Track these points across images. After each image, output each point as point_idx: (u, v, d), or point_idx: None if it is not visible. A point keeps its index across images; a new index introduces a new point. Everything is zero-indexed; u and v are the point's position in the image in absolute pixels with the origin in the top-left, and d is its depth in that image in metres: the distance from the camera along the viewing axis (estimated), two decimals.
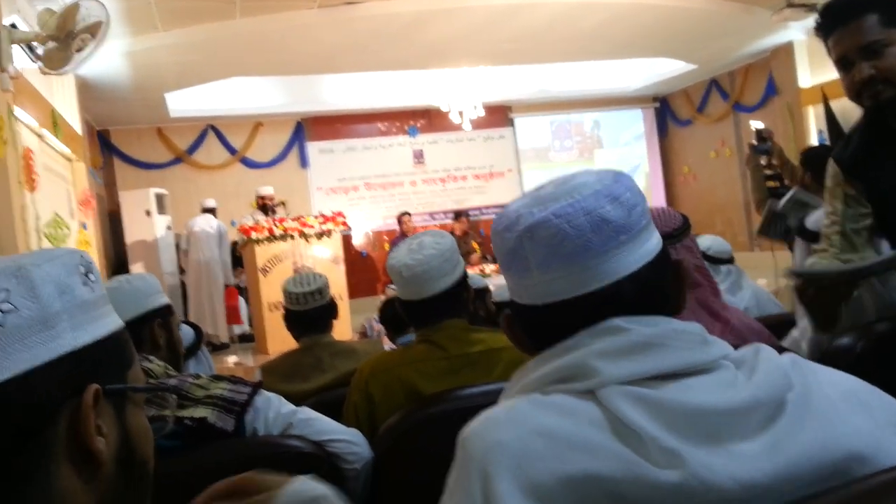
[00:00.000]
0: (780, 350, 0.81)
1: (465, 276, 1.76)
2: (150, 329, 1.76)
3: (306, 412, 1.57)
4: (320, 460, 1.47)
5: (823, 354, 1.53)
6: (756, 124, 4.58)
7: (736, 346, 0.79)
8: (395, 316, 2.78)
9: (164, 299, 1.85)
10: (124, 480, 0.67)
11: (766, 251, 6.71)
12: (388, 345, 2.93)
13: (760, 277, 7.66)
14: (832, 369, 0.77)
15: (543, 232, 0.77)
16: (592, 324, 0.76)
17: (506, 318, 0.87)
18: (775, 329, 2.38)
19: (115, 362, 0.69)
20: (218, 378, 1.54)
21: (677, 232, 1.67)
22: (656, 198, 11.78)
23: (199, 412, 1.41)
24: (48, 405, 0.61)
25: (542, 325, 0.81)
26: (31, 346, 0.60)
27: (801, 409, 0.71)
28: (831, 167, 1.74)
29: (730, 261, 2.78)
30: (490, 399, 0.84)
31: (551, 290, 0.78)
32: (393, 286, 3.02)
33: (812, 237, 1.89)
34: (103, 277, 5.16)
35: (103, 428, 0.65)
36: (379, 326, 4.00)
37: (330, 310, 2.41)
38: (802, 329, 1.81)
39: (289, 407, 1.56)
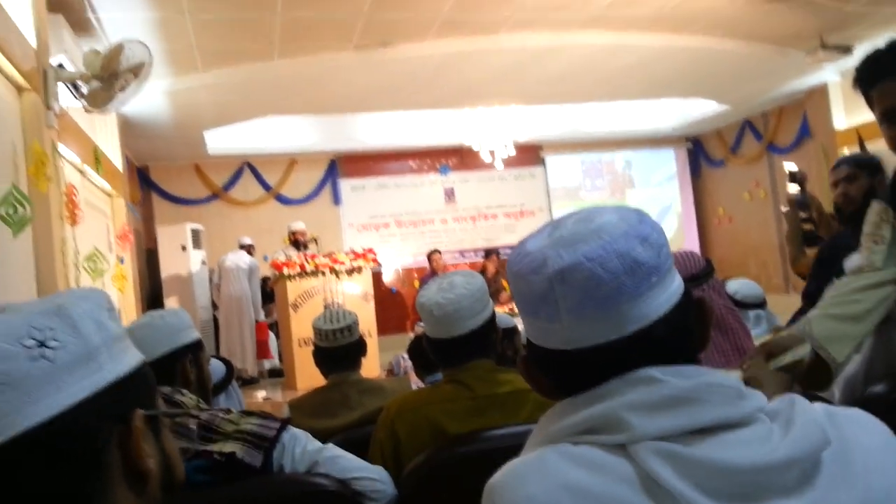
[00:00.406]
0: (813, 398, 0.79)
1: (493, 317, 1.76)
2: (182, 364, 1.80)
3: (332, 450, 1.57)
4: (346, 499, 1.46)
5: (856, 402, 1.49)
6: (789, 166, 4.52)
7: None
8: (424, 353, 2.78)
9: (195, 335, 1.88)
10: (164, 501, 0.72)
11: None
12: (415, 382, 2.92)
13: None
14: (868, 416, 0.75)
15: (577, 276, 0.74)
16: (623, 369, 0.74)
17: (523, 362, 0.85)
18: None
19: (147, 390, 0.74)
20: (248, 413, 1.55)
21: (702, 274, 1.66)
22: (689, 239, 11.68)
23: (229, 447, 1.43)
24: (101, 432, 0.66)
25: (569, 370, 0.78)
26: (80, 379, 0.65)
27: (839, 466, 0.69)
28: (877, 206, 1.71)
29: (759, 305, 2.72)
30: (517, 441, 0.82)
31: (582, 336, 0.75)
32: (422, 324, 3.02)
33: None
34: (138, 311, 5.26)
35: (147, 450, 0.70)
36: (406, 363, 4.00)
37: (359, 347, 2.42)
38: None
39: (315, 444, 1.56)
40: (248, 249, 8.29)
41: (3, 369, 0.61)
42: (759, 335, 2.66)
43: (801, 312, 2.86)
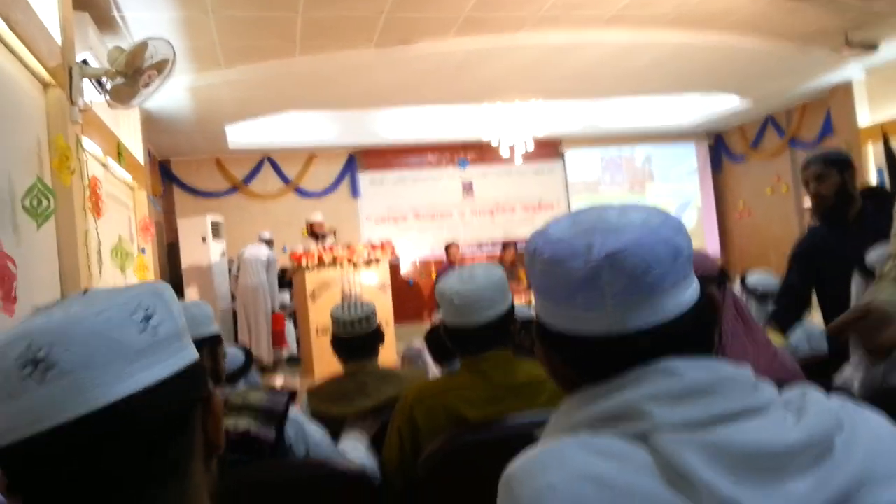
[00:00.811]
0: (829, 390, 0.82)
1: (512, 308, 1.78)
2: (200, 355, 1.84)
3: (318, 438, 1.63)
4: (364, 482, 1.50)
5: (875, 393, 1.50)
6: None
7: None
8: (441, 341, 2.81)
9: (214, 328, 1.93)
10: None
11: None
12: (432, 368, 2.95)
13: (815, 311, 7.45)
14: (881, 416, 0.77)
15: (627, 261, 0.75)
16: (645, 359, 0.76)
17: (543, 349, 0.85)
18: (826, 367, 2.33)
19: (206, 373, 0.80)
20: (254, 389, 1.61)
21: (715, 277, 1.68)
22: (709, 233, 11.61)
23: (242, 423, 1.47)
24: (192, 404, 0.73)
25: (596, 358, 0.78)
26: (173, 355, 0.72)
27: (848, 446, 0.71)
28: None
29: None
30: (534, 428, 0.84)
31: (623, 321, 0.76)
32: (439, 312, 3.06)
33: (871, 274, 1.86)
34: None
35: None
36: (420, 347, 4.01)
37: (376, 337, 2.45)
38: (855, 365, 1.78)
39: (309, 427, 1.62)
40: (268, 243, 8.40)
41: (117, 337, 0.67)
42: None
43: (784, 303, 2.85)
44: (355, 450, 1.80)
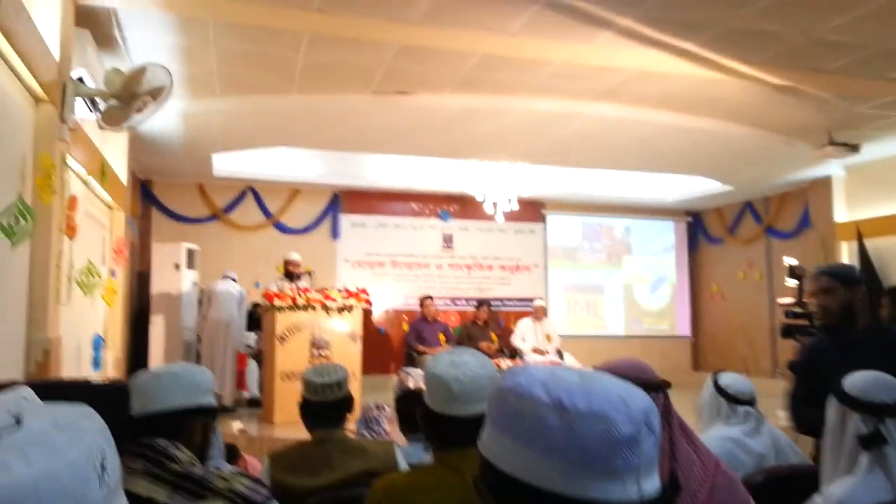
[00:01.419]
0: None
1: None
2: (193, 424, 1.75)
3: None
4: None
5: None
6: (790, 260, 4.58)
7: None
8: (412, 410, 2.74)
9: (212, 400, 1.84)
10: None
11: (789, 381, 6.57)
12: (394, 439, 2.87)
13: (780, 409, 7.46)
14: None
15: (655, 421, 0.75)
16: None
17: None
18: (795, 483, 2.29)
19: None
20: (240, 474, 1.56)
21: (655, 382, 1.65)
22: (681, 312, 11.70)
23: None
24: None
25: None
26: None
27: None
28: None
29: (750, 402, 2.70)
30: None
31: (643, 489, 0.73)
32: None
33: (848, 400, 1.84)
34: (124, 326, 5.23)
35: None
36: (381, 414, 3.84)
37: (346, 404, 2.39)
38: (827, 497, 1.75)
39: None
40: (234, 282, 8.23)
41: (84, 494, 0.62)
42: (746, 432, 2.63)
43: (800, 412, 2.85)
44: None
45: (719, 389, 2.68)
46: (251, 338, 8.32)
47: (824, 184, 9.03)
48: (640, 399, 0.74)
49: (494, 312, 10.37)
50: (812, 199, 9.34)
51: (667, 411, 1.64)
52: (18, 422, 0.63)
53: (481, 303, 9.57)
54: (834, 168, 8.61)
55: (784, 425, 3.30)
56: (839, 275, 2.69)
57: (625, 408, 0.73)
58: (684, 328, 11.71)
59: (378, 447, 2.29)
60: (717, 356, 11.25)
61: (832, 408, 1.91)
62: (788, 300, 4.51)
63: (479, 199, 9.11)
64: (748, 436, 2.60)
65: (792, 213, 9.80)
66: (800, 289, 4.42)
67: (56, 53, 3.89)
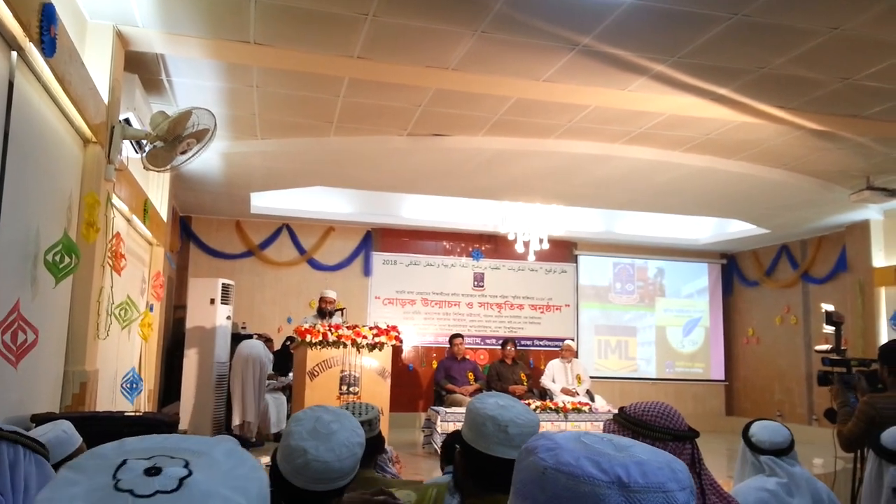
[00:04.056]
0: None
1: None
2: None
3: None
4: None
5: None
6: (827, 306, 4.52)
7: None
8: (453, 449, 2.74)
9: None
10: None
11: (826, 428, 6.41)
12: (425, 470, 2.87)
13: (817, 457, 7.29)
14: None
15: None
16: None
17: None
18: None
19: None
20: None
21: (685, 431, 1.63)
22: (715, 356, 11.51)
23: None
24: None
25: None
26: None
27: None
28: None
29: (774, 451, 2.63)
30: None
31: None
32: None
33: (889, 456, 1.83)
34: (158, 359, 5.34)
35: None
36: (392, 453, 3.94)
37: (376, 443, 2.41)
38: None
39: None
40: (267, 342, 8.40)
41: None
42: (783, 484, 2.57)
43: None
44: None
45: (745, 437, 2.65)
46: (283, 381, 8.46)
47: (862, 227, 8.90)
48: (680, 464, 0.77)
49: (523, 351, 10.33)
50: (850, 243, 9.20)
51: (696, 461, 1.63)
52: (190, 473, 0.64)
53: (506, 341, 9.52)
54: (872, 212, 8.50)
55: (820, 473, 3.27)
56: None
57: (674, 476, 0.76)
58: (718, 372, 11.50)
59: (408, 487, 2.30)
60: (751, 401, 11.01)
61: (870, 460, 1.90)
62: (825, 347, 4.44)
63: (510, 238, 9.14)
64: (785, 489, 2.55)
65: (829, 257, 9.66)
66: (837, 335, 4.34)
67: (105, 97, 4.06)
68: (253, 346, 7.97)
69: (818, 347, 4.68)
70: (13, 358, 2.89)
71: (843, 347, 4.39)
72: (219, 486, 0.63)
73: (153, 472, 0.62)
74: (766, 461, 2.59)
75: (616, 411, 1.70)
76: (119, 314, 4.81)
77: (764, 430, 2.65)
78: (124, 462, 0.64)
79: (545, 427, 6.96)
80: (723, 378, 11.47)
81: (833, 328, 4.29)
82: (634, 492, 0.73)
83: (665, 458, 0.79)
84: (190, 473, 0.63)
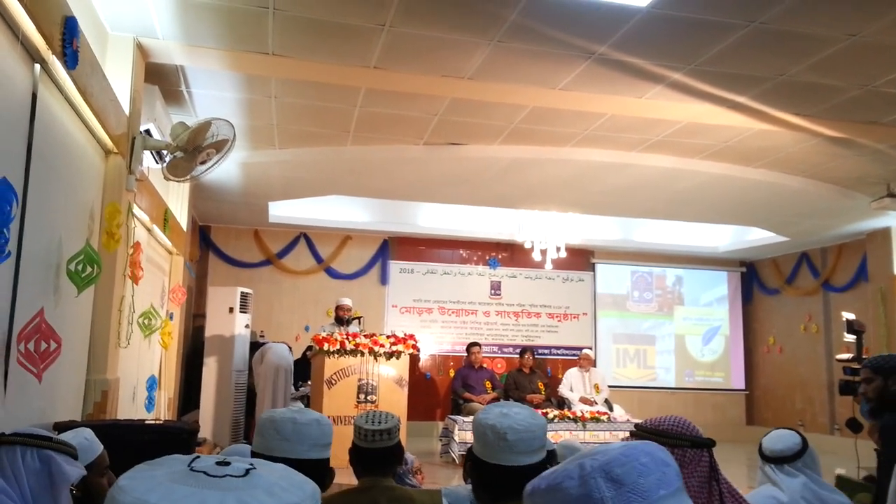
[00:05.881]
0: None
1: (546, 460, 1.75)
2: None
3: None
4: None
5: None
6: (848, 315, 4.47)
7: None
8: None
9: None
10: None
11: (848, 437, 6.32)
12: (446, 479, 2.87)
13: (839, 467, 7.18)
14: None
15: (616, 471, 0.81)
16: None
17: None
18: None
19: None
20: None
21: (700, 440, 1.63)
22: (735, 365, 11.40)
23: None
24: None
25: None
26: None
27: None
28: None
29: (778, 459, 2.58)
30: None
31: None
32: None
33: None
34: (178, 367, 5.42)
35: None
36: (411, 460, 4.08)
37: (396, 452, 2.41)
38: None
39: None
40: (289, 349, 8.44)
41: None
42: (795, 493, 2.52)
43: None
44: None
45: (760, 446, 2.63)
46: (303, 391, 8.47)
47: (883, 235, 8.81)
48: (597, 459, 0.83)
49: (540, 360, 10.30)
50: (871, 251, 9.10)
51: (712, 470, 1.62)
52: (248, 472, 0.76)
53: (525, 350, 9.50)
54: (893, 219, 8.40)
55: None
56: (877, 366, 3.01)
57: (577, 473, 0.83)
58: (738, 381, 11.39)
59: (425, 496, 2.30)
60: (772, 411, 10.89)
61: (894, 479, 1.90)
62: (846, 356, 4.39)
63: (527, 246, 9.14)
64: (799, 494, 2.51)
65: (850, 264, 9.55)
66: (858, 344, 4.29)
67: (126, 108, 4.12)
68: (283, 355, 7.98)
69: (839, 356, 4.64)
70: (36, 368, 2.93)
71: (864, 356, 4.33)
72: (279, 481, 0.75)
73: (223, 463, 0.75)
74: (767, 469, 2.56)
75: (635, 421, 1.71)
76: (143, 323, 4.87)
77: (768, 438, 2.62)
78: (198, 456, 0.76)
79: (563, 437, 6.92)
80: (743, 387, 11.37)
81: (854, 336, 4.25)
82: None
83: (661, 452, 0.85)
84: (254, 467, 0.75)
